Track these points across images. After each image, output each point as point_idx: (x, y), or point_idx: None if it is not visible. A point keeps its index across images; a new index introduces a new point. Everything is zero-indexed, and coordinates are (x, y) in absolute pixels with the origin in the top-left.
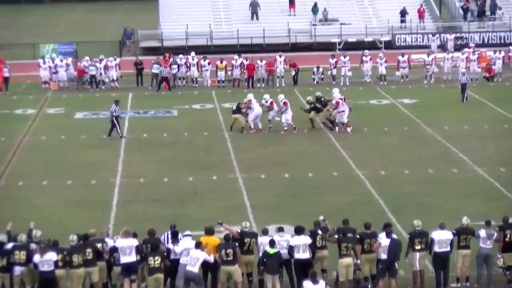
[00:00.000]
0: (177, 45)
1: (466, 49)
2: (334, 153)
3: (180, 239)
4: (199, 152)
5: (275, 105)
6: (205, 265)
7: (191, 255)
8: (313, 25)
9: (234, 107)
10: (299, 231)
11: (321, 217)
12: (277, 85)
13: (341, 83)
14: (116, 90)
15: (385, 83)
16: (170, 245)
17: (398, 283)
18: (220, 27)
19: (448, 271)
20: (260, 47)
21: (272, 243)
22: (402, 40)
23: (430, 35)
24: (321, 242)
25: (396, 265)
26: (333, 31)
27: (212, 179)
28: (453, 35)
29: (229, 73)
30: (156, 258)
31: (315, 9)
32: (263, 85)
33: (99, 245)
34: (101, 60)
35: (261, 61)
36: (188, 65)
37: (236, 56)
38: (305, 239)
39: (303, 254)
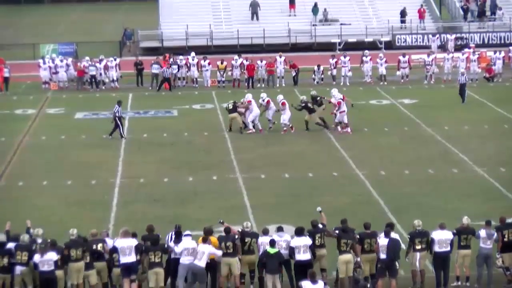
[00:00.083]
0: (177, 45)
1: (466, 50)
2: (334, 153)
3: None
4: (199, 152)
5: (272, 104)
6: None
7: (198, 249)
8: (313, 25)
9: (230, 106)
10: (299, 232)
11: (319, 208)
12: (277, 85)
13: (341, 83)
14: (116, 90)
15: (385, 83)
16: (172, 244)
17: (398, 283)
18: (220, 27)
19: (448, 271)
20: (260, 48)
21: (272, 243)
22: (402, 40)
23: (430, 36)
24: (319, 241)
25: (397, 265)
26: (333, 31)
27: (212, 179)
28: (454, 36)
29: (229, 73)
30: (157, 252)
31: (315, 10)
32: (263, 86)
33: (99, 245)
34: (101, 60)
35: (261, 62)
36: (188, 65)
37: (236, 57)
38: (306, 240)
39: (303, 255)
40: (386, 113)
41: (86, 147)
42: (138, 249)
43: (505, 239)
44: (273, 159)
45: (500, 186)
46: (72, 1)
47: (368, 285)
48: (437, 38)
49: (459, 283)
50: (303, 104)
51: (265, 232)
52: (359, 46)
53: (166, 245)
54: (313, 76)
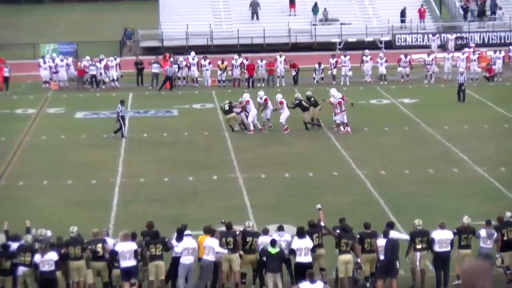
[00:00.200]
0: (178, 45)
1: (466, 49)
2: (334, 153)
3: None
4: (199, 152)
5: (269, 102)
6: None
7: (206, 244)
8: (314, 25)
9: (226, 107)
10: (301, 233)
11: (318, 206)
12: (277, 85)
13: (341, 83)
14: (117, 90)
15: (385, 83)
16: (174, 242)
17: (398, 283)
18: (220, 27)
19: (449, 270)
20: (260, 47)
21: (273, 243)
22: (402, 40)
23: (430, 35)
24: (317, 240)
25: (398, 264)
26: (333, 31)
27: (212, 179)
28: (454, 35)
29: (229, 73)
30: (157, 245)
31: (315, 9)
32: (263, 85)
33: (99, 245)
34: (101, 60)
35: (262, 61)
36: (188, 65)
37: (236, 56)
38: (307, 243)
39: (305, 258)
40: (386, 113)
41: (86, 147)
42: (137, 253)
43: (505, 238)
44: (273, 159)
45: (500, 186)
46: (72, 0)
47: (368, 285)
48: (437, 37)
49: (460, 281)
50: (297, 102)
51: (265, 232)
52: (359, 45)
53: (166, 239)
54: (314, 74)
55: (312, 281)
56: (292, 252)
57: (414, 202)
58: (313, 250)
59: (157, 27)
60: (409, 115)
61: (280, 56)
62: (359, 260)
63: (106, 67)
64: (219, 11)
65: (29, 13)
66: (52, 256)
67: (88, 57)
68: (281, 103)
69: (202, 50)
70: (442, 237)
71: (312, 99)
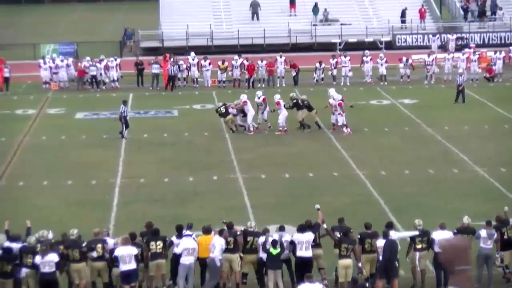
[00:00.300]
0: (178, 45)
1: (466, 50)
2: (334, 153)
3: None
4: (199, 152)
5: (267, 103)
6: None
7: (213, 242)
8: (314, 25)
9: (223, 110)
10: (302, 228)
11: (317, 206)
12: (278, 85)
13: (342, 84)
14: (117, 90)
15: (386, 83)
16: (174, 239)
17: (399, 283)
18: (220, 28)
19: None
20: (261, 48)
21: (274, 244)
22: (402, 40)
23: (430, 36)
24: (316, 241)
25: (397, 264)
26: (334, 31)
27: (213, 179)
28: (454, 36)
29: (230, 73)
30: (158, 243)
31: (315, 10)
32: (263, 86)
33: (99, 245)
34: (101, 60)
35: (262, 62)
36: (189, 65)
37: (236, 57)
38: (308, 236)
39: (305, 252)
40: (387, 113)
41: (86, 147)
42: (138, 257)
43: (505, 237)
44: (273, 159)
45: (501, 186)
46: (72, 1)
47: (367, 285)
48: (438, 38)
49: None
50: (294, 101)
51: (265, 232)
52: (360, 46)
53: (167, 238)
54: (314, 74)
55: (311, 281)
56: (292, 244)
57: (414, 202)
58: (314, 240)
59: (157, 28)
60: (409, 115)
61: (280, 57)
62: (360, 265)
63: (106, 68)
64: (219, 11)
65: (29, 13)
66: (53, 257)
67: (88, 58)
68: (277, 103)
69: (202, 50)
70: (442, 237)
71: (306, 102)
